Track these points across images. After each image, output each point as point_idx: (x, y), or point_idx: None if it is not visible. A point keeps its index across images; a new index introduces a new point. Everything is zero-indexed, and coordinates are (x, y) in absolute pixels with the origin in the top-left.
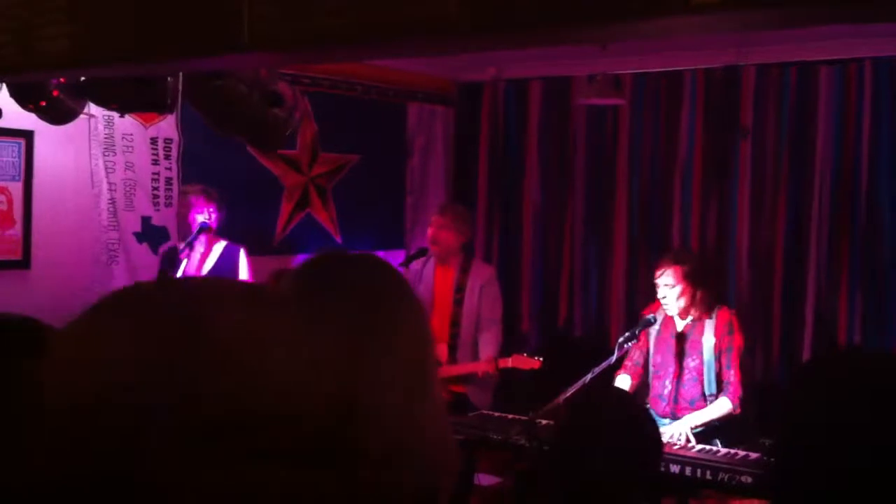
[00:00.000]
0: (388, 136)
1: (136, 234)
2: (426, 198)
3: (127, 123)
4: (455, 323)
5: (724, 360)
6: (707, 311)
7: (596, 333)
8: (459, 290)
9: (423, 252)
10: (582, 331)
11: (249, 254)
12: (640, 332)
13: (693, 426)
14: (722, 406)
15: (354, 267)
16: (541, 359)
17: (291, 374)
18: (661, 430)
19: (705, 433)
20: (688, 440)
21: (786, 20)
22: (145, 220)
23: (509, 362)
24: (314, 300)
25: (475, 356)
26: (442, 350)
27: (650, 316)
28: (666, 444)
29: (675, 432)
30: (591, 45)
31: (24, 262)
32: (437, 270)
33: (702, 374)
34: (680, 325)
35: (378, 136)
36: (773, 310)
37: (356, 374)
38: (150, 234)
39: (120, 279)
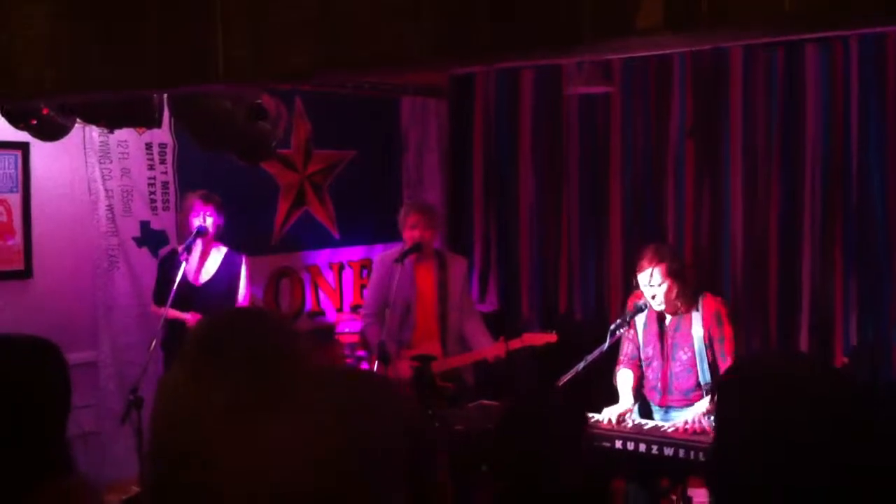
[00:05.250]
0: (382, 130)
1: (136, 239)
2: (423, 191)
3: (121, 130)
4: (443, 317)
5: (717, 350)
6: (692, 301)
7: (596, 319)
8: (442, 285)
9: (417, 248)
10: (582, 316)
11: (249, 254)
12: (631, 318)
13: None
14: None
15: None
16: (555, 331)
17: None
18: (679, 414)
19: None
20: (704, 416)
21: (722, 39)
22: (144, 225)
23: (521, 342)
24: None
25: (463, 346)
26: (434, 346)
27: (641, 302)
28: (655, 428)
29: (690, 417)
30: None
31: (27, 272)
32: (416, 268)
33: (695, 366)
34: (668, 317)
35: (372, 131)
36: (768, 294)
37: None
38: (150, 238)
39: (121, 284)
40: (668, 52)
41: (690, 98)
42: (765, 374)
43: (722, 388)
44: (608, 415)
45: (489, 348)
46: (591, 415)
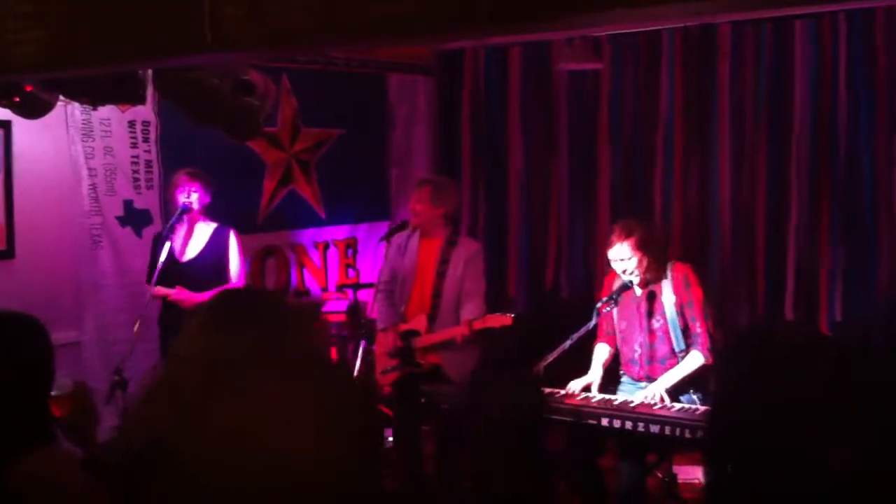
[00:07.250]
0: (370, 108)
1: (119, 218)
2: (411, 169)
3: (104, 108)
4: (436, 294)
5: (687, 315)
6: (662, 271)
7: (583, 296)
8: (444, 262)
9: (403, 225)
10: (569, 294)
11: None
12: (618, 296)
13: (667, 387)
14: (693, 360)
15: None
16: (512, 315)
17: None
18: (637, 393)
19: (680, 388)
20: (662, 400)
21: (710, 11)
22: (127, 204)
23: (482, 323)
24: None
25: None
26: (421, 320)
27: (627, 280)
28: (643, 405)
29: (650, 394)
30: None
31: (9, 252)
32: (421, 243)
33: (668, 333)
34: (639, 290)
35: (360, 108)
36: (756, 266)
37: None
38: (133, 217)
39: (105, 264)
40: (657, 27)
41: (679, 74)
42: (764, 343)
43: (722, 356)
44: (573, 387)
45: (456, 328)
46: (559, 389)
